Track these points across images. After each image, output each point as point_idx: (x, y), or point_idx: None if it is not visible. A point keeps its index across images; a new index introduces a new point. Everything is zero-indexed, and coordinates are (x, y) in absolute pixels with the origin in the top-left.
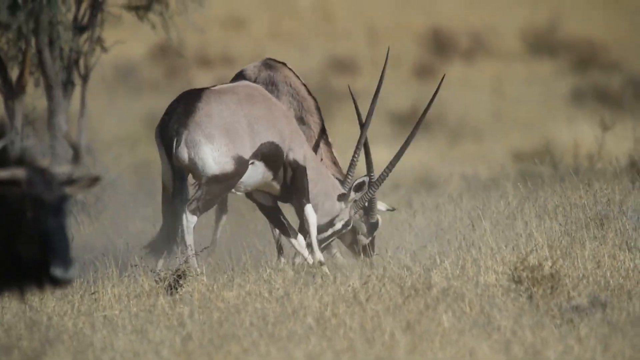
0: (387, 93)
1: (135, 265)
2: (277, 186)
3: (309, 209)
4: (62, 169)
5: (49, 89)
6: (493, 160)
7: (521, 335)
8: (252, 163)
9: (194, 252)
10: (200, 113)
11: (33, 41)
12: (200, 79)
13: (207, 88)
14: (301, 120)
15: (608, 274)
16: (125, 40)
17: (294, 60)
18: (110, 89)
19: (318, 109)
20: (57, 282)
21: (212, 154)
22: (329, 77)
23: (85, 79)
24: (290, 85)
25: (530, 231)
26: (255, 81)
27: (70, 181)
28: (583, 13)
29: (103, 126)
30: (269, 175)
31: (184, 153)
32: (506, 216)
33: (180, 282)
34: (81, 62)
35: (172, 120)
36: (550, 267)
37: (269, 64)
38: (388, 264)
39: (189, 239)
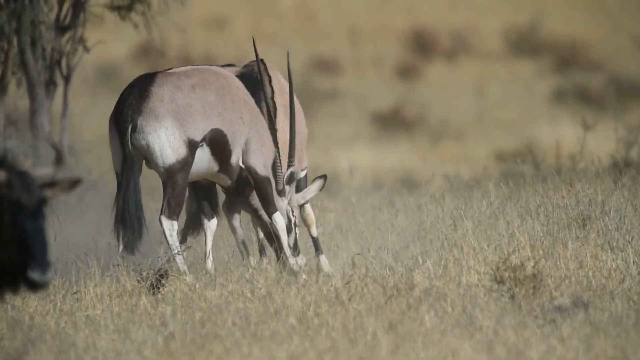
0: (369, 93)
1: (118, 265)
2: (227, 180)
3: (277, 217)
4: (42, 172)
5: (31, 88)
6: (475, 160)
7: (503, 335)
8: (201, 146)
9: (179, 252)
10: (154, 98)
11: (15, 41)
12: None
13: (160, 72)
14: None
15: (590, 274)
16: (107, 40)
17: (276, 61)
18: (93, 89)
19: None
20: (34, 285)
21: (167, 138)
22: (311, 77)
23: (67, 79)
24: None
25: (512, 231)
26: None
27: (51, 183)
28: (564, 13)
29: (85, 126)
30: (214, 165)
31: (140, 140)
32: (488, 216)
33: (163, 281)
34: (63, 62)
35: (126, 106)
36: (533, 267)
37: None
38: (370, 264)
39: (172, 240)
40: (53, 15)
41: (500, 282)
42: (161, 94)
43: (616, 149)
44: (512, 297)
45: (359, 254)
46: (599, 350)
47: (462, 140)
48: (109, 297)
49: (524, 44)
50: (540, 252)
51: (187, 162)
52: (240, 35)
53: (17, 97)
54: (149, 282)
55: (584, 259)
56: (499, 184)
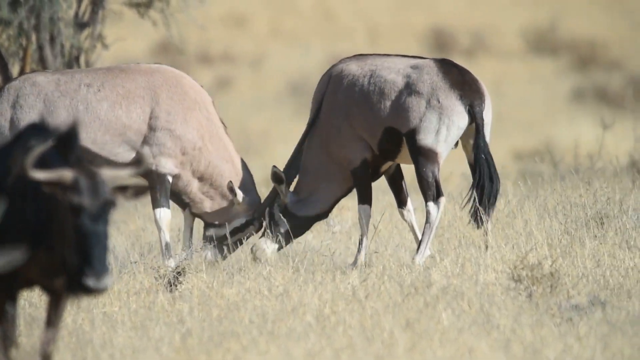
0: None
1: (135, 262)
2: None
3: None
4: (114, 174)
5: None
6: (494, 159)
7: (520, 333)
8: None
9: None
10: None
11: (34, 37)
12: (201, 76)
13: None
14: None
15: (608, 273)
16: (126, 37)
17: (295, 59)
18: None
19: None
20: (88, 291)
21: None
22: None
23: None
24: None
25: (530, 230)
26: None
27: (120, 188)
28: (584, 12)
29: None
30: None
31: None
32: (506, 215)
33: (180, 279)
34: (82, 58)
35: None
36: (550, 265)
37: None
38: (387, 262)
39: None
40: (72, 12)
41: (518, 280)
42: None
43: (634, 147)
44: (530, 295)
45: (375, 252)
46: (615, 349)
47: None
48: (126, 294)
49: (543, 42)
50: (558, 250)
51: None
52: (259, 33)
53: None
54: (166, 280)
55: (602, 258)
56: (517, 182)
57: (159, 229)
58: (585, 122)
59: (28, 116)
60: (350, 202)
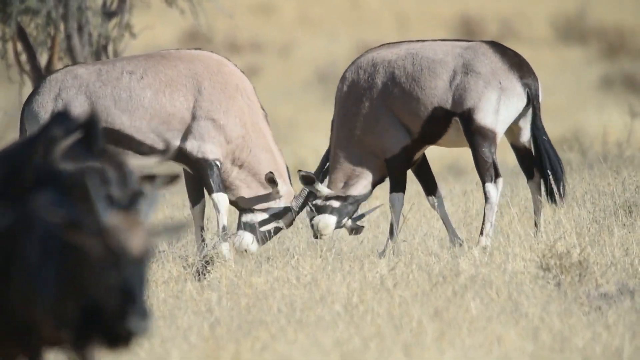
0: None
1: (164, 251)
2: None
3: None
4: (141, 163)
5: None
6: None
7: (549, 322)
8: None
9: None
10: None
11: (62, 27)
12: None
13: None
14: None
15: (636, 262)
16: (154, 25)
17: (323, 47)
18: None
19: None
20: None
21: None
22: None
23: None
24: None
25: (558, 218)
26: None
27: (150, 177)
28: (612, 0)
29: None
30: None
31: None
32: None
33: (208, 268)
34: (110, 47)
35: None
36: (579, 254)
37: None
38: (416, 251)
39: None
40: (100, 1)
41: (546, 269)
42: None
43: None
44: (558, 284)
45: (404, 240)
46: None
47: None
48: (154, 283)
49: (572, 30)
50: (587, 239)
51: None
52: (287, 21)
53: None
54: (194, 269)
55: (630, 247)
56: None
57: (219, 212)
58: (613, 110)
59: (70, 109)
60: (378, 191)
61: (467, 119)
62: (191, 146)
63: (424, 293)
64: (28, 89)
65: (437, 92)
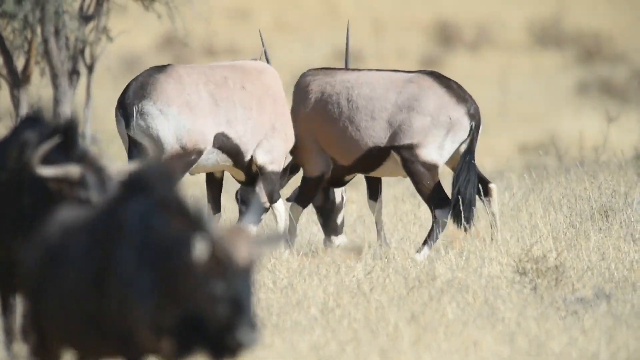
0: None
1: None
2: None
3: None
4: (121, 168)
5: (54, 78)
6: (498, 151)
7: (525, 326)
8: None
9: None
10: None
11: (39, 30)
12: None
13: (173, 65)
14: None
15: (612, 266)
16: (130, 30)
17: (299, 52)
18: (116, 79)
19: None
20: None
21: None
22: None
23: (90, 68)
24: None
25: (535, 223)
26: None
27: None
28: (588, 5)
29: (108, 116)
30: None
31: (139, 125)
32: (511, 208)
33: None
34: (87, 51)
35: (129, 92)
36: (555, 258)
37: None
38: (392, 255)
39: None
40: (77, 5)
41: (523, 273)
42: (166, 84)
43: (639, 140)
44: (534, 288)
45: (380, 244)
46: (620, 342)
47: (485, 132)
48: None
49: (548, 35)
50: (563, 243)
51: (188, 154)
52: (264, 26)
53: (41, 86)
54: None
55: (607, 251)
56: (522, 175)
57: (283, 219)
58: (590, 115)
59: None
60: (354, 195)
61: (408, 155)
62: (263, 158)
63: (401, 297)
64: (5, 92)
65: (374, 133)
